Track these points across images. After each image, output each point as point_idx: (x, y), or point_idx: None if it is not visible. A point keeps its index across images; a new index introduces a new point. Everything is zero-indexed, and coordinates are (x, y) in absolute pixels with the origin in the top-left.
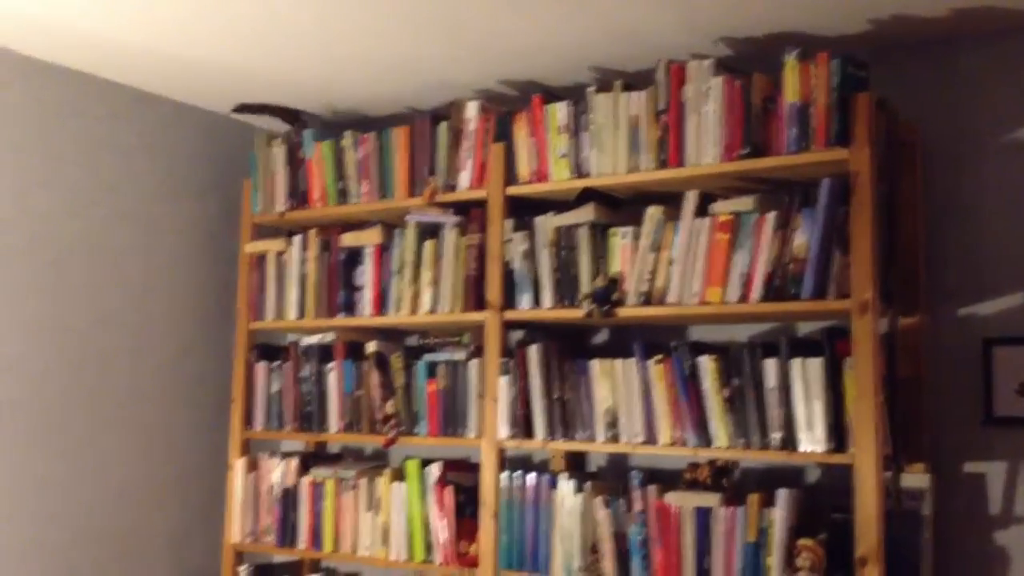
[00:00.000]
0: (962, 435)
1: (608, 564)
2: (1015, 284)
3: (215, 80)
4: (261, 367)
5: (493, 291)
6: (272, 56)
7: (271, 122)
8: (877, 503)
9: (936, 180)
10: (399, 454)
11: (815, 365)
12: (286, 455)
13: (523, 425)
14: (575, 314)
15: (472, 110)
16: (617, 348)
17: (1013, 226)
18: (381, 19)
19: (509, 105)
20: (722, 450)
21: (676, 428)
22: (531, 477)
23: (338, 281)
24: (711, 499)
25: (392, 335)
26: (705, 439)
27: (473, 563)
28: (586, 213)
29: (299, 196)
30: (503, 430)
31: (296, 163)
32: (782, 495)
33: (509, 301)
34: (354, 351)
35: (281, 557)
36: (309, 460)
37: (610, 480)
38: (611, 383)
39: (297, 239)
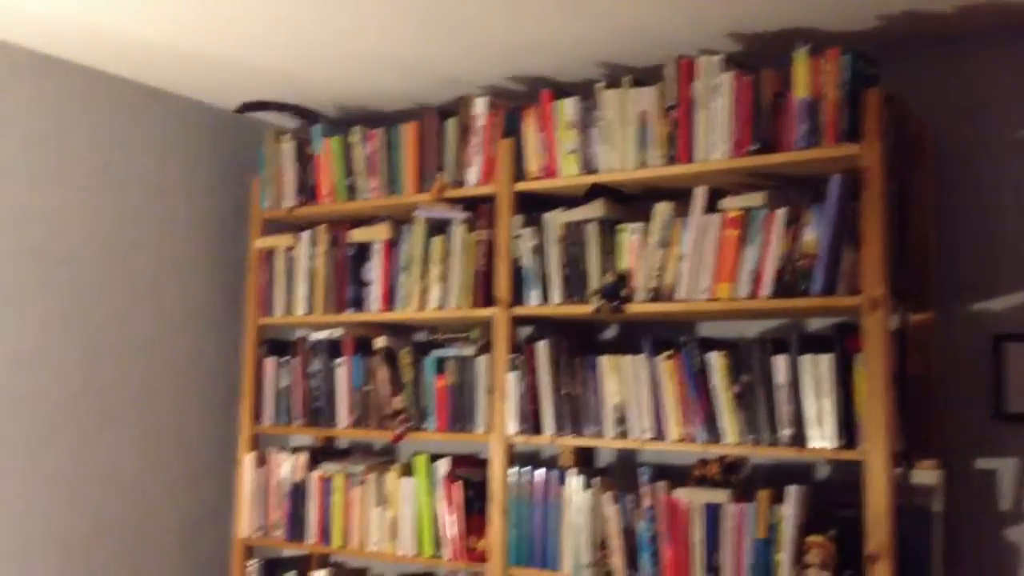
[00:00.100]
0: (973, 431)
1: (617, 560)
2: None
3: (224, 77)
4: (270, 362)
5: (502, 287)
6: (281, 53)
7: (280, 118)
8: (888, 500)
9: (947, 176)
10: (407, 449)
11: (825, 361)
12: (295, 450)
13: (532, 421)
14: (584, 310)
15: (481, 106)
16: (626, 344)
17: None
18: (389, 16)
19: (518, 101)
20: (731, 446)
21: (685, 424)
22: (540, 473)
23: (347, 277)
24: (721, 495)
25: (401, 331)
26: (714, 435)
27: (482, 558)
28: (595, 209)
29: (308, 192)
30: (512, 426)
31: (305, 159)
32: (792, 491)
33: (518, 297)
34: (363, 346)
35: (290, 551)
36: (318, 455)
37: (619, 476)
38: (620, 379)
39: (306, 235)
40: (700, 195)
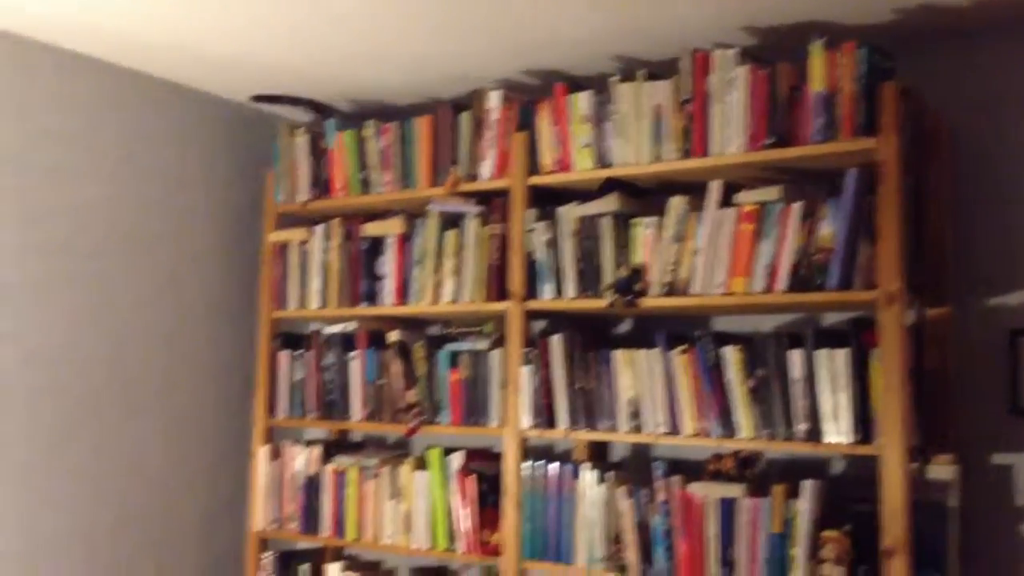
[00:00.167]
0: (989, 426)
1: (631, 554)
2: None
3: (241, 72)
4: (284, 355)
5: (515, 281)
6: (297, 49)
7: (293, 112)
8: (904, 495)
9: (963, 170)
10: (421, 443)
11: (841, 356)
12: (309, 443)
13: (545, 415)
14: (598, 304)
15: (494, 99)
16: (640, 338)
17: None
18: (404, 12)
19: (532, 94)
20: (746, 441)
21: (700, 419)
22: (553, 467)
23: (360, 270)
24: (736, 490)
25: (414, 324)
26: (729, 430)
27: (496, 552)
28: (609, 203)
29: (322, 186)
30: (525, 419)
31: (319, 153)
32: (807, 486)
33: (531, 291)
34: (376, 340)
35: (304, 544)
36: (332, 448)
37: (633, 470)
38: (634, 373)
39: (320, 228)
40: (715, 189)
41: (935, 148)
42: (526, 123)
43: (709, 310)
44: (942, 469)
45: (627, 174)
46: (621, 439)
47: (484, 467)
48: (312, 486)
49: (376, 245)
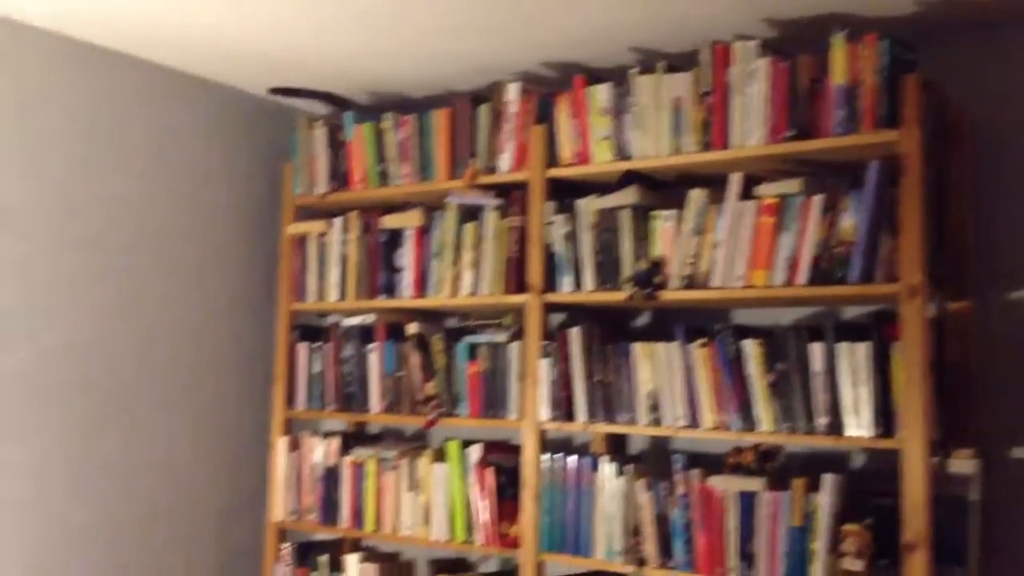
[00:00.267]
0: (1011, 420)
1: (650, 547)
2: None
3: (262, 65)
4: (303, 348)
5: (534, 273)
6: (315, 41)
7: (312, 105)
8: (925, 489)
9: (986, 163)
10: (439, 435)
11: (862, 349)
12: (327, 435)
13: (564, 407)
14: (617, 297)
15: (513, 92)
16: (659, 331)
17: None
18: (425, 4)
19: (550, 87)
20: (767, 434)
21: (720, 412)
22: (572, 459)
23: (379, 263)
24: (755, 483)
25: (433, 317)
26: (749, 423)
27: (514, 544)
28: (628, 196)
29: (340, 178)
30: (544, 412)
31: (337, 145)
32: (828, 480)
33: (550, 284)
34: (395, 332)
35: (323, 535)
36: (350, 440)
37: (652, 463)
38: (653, 366)
39: (338, 221)
40: (735, 182)
41: (957, 140)
42: (545, 116)
43: (729, 303)
44: (963, 463)
45: (646, 167)
46: (640, 432)
47: (502, 459)
48: (331, 478)
49: (395, 237)
